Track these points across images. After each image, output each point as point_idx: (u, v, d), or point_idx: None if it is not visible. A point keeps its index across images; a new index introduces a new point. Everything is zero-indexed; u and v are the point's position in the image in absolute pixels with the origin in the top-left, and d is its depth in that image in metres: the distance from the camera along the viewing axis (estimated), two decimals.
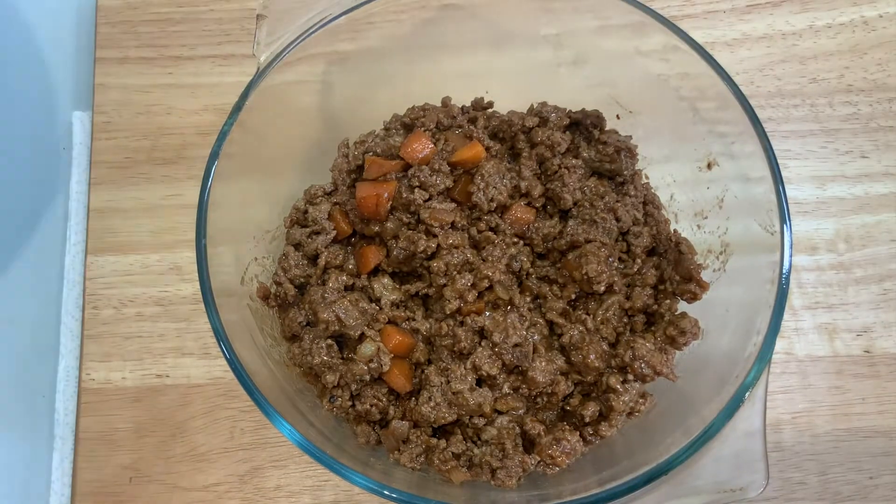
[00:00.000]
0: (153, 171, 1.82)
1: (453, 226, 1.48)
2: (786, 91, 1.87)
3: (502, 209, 1.50)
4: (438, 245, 1.45)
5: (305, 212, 1.54)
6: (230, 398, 1.68)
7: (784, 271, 1.28)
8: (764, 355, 1.26)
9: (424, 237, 1.45)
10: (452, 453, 1.38)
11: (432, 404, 1.38)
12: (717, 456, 1.25)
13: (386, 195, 1.48)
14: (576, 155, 1.54)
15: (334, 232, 1.50)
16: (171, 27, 1.93)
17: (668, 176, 1.57)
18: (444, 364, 1.41)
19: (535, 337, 1.43)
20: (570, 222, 1.48)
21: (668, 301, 1.45)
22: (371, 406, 1.41)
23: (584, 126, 1.58)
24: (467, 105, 1.65)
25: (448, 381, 1.38)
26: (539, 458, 1.36)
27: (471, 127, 1.57)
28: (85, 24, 1.97)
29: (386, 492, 1.24)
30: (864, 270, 1.75)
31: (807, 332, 1.71)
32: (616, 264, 1.48)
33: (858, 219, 1.78)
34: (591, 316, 1.44)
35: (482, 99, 1.64)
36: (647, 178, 1.59)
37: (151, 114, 1.88)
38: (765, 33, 1.90)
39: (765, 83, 1.87)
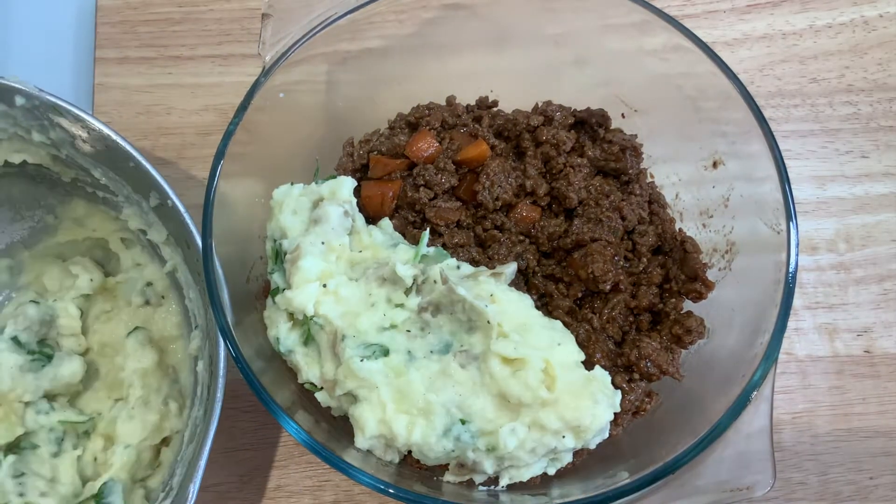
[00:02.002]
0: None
1: (459, 224, 1.49)
2: (786, 91, 1.87)
3: (508, 208, 1.50)
4: (444, 244, 1.45)
5: None
6: (231, 398, 1.67)
7: (790, 270, 1.28)
8: (770, 354, 1.26)
9: (430, 236, 1.45)
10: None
11: None
12: (723, 455, 1.25)
13: (391, 194, 1.48)
14: (581, 154, 1.54)
15: None
16: (171, 27, 1.93)
17: (673, 175, 1.57)
18: None
19: None
20: (576, 221, 1.48)
21: (673, 300, 1.45)
22: None
23: (589, 125, 1.58)
24: (472, 104, 1.65)
25: None
26: None
27: (476, 126, 1.57)
28: (85, 24, 1.97)
29: (392, 490, 1.24)
30: (865, 270, 1.76)
31: (807, 332, 1.72)
32: (622, 263, 1.48)
33: (859, 219, 1.79)
34: (597, 315, 1.44)
35: (486, 98, 1.64)
36: (652, 176, 1.59)
37: (151, 114, 1.87)
38: (765, 33, 1.91)
39: (765, 83, 1.87)
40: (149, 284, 1.70)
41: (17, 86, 1.46)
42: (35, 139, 1.54)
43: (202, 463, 1.36)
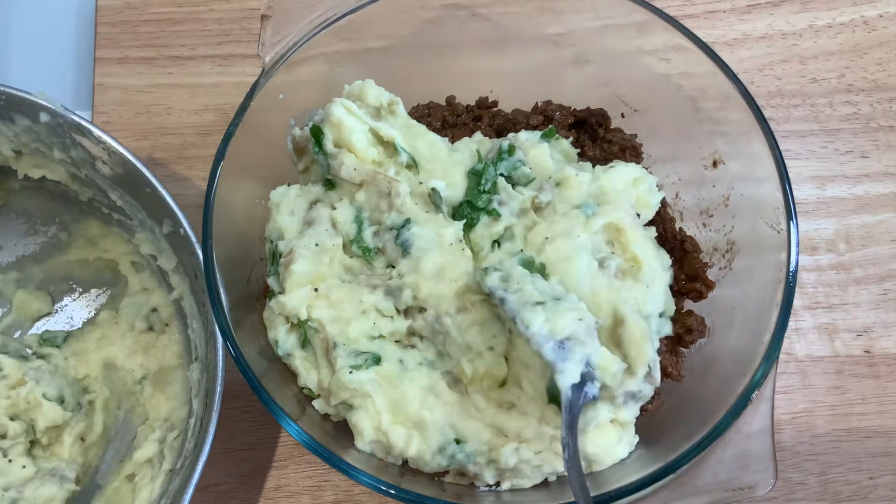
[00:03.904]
0: (153, 172, 1.80)
1: None
2: (786, 91, 1.87)
3: None
4: None
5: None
6: (230, 398, 1.65)
7: (791, 269, 1.28)
8: (771, 354, 1.26)
9: None
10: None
11: None
12: (724, 455, 1.25)
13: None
14: (581, 153, 1.54)
15: None
16: (171, 27, 1.93)
17: (673, 174, 1.57)
18: None
19: None
20: None
21: (674, 299, 1.45)
22: None
23: (589, 124, 1.58)
24: (472, 104, 1.64)
25: None
26: None
27: (477, 124, 1.57)
28: (85, 24, 1.97)
29: (393, 491, 1.24)
30: (864, 270, 1.75)
31: (807, 332, 1.72)
32: None
33: (858, 219, 1.79)
34: None
35: (486, 98, 1.64)
36: None
37: (151, 114, 1.87)
38: (765, 33, 1.91)
39: (765, 83, 1.87)
40: (154, 310, 1.70)
41: (43, 102, 1.46)
42: (56, 156, 1.54)
43: (187, 497, 1.37)
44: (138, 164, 1.46)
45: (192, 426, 1.51)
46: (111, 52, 1.91)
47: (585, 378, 1.16)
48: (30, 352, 1.70)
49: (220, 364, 1.40)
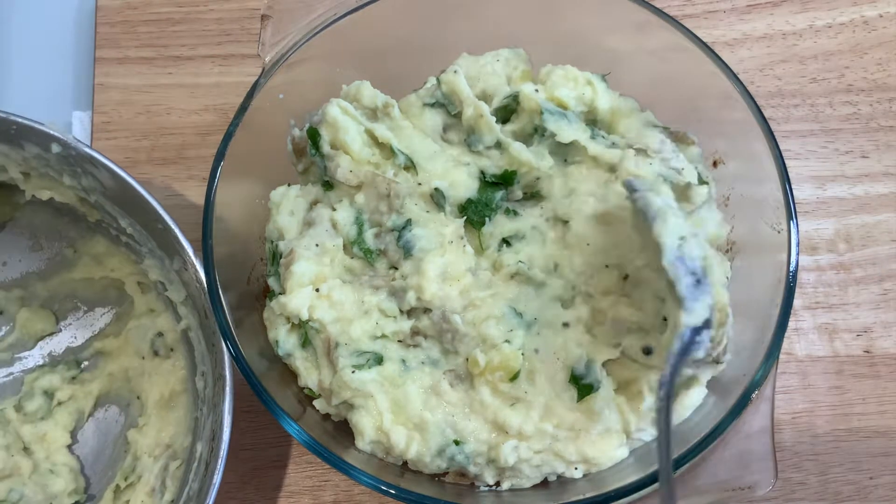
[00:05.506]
0: (153, 172, 1.81)
1: None
2: (786, 91, 1.86)
3: None
4: None
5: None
6: None
7: (791, 269, 1.28)
8: (771, 354, 1.26)
9: None
10: None
11: None
12: (724, 455, 1.25)
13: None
14: None
15: None
16: (171, 27, 1.93)
17: None
18: None
19: None
20: None
21: None
22: None
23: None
24: None
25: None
26: None
27: None
28: (85, 24, 1.97)
29: (393, 491, 1.24)
30: (864, 270, 1.75)
31: (807, 332, 1.71)
32: None
33: (858, 219, 1.78)
34: None
35: None
36: None
37: (151, 114, 1.87)
38: (765, 33, 1.90)
39: (765, 83, 1.87)
40: (160, 335, 1.68)
41: (55, 134, 1.44)
42: (66, 182, 1.52)
43: None
44: (152, 201, 1.43)
45: (194, 468, 1.49)
46: (111, 52, 1.91)
47: (702, 327, 1.13)
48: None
49: (227, 419, 1.38)
